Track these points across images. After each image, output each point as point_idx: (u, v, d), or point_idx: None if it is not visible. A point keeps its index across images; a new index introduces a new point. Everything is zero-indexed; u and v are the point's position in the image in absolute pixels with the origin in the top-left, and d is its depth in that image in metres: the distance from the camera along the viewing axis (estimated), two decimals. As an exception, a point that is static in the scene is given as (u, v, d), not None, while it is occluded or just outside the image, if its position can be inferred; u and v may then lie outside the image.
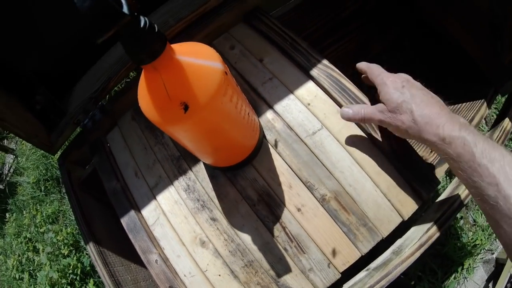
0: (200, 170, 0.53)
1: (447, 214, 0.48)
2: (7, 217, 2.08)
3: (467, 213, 1.26)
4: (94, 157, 0.63)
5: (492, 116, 1.29)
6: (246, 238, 0.48)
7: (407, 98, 0.40)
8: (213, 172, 0.53)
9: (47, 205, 1.79)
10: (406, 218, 0.46)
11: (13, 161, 2.16)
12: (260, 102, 0.54)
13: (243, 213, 0.49)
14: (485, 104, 0.71)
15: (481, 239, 1.19)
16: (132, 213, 0.55)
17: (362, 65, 0.48)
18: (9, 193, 2.06)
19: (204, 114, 0.33)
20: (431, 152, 0.68)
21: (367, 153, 0.48)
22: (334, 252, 0.46)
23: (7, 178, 2.17)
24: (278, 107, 0.53)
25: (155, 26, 0.28)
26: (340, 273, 0.46)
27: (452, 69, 0.84)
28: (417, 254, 0.45)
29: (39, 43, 0.62)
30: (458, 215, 1.24)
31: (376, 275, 0.45)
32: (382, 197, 0.47)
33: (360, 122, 0.47)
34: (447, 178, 1.25)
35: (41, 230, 1.74)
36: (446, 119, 0.37)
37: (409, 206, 0.46)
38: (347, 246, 0.46)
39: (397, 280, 0.44)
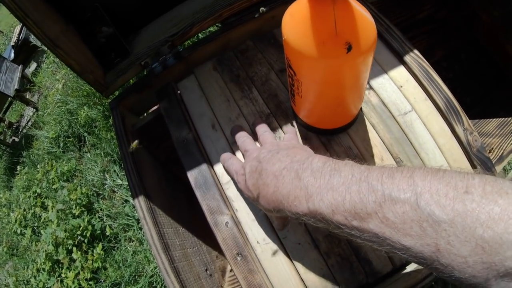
0: (289, 128, 0.49)
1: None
2: (18, 169, 2.04)
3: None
4: (162, 103, 0.57)
5: None
6: (337, 206, 0.44)
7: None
8: (306, 134, 0.49)
9: (64, 162, 1.74)
10: None
11: (33, 114, 2.13)
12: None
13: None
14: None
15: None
16: (204, 167, 0.49)
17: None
18: (24, 146, 2.02)
19: (360, 60, 0.33)
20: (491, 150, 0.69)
21: (448, 140, 0.49)
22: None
23: (24, 131, 2.14)
24: (374, 83, 0.53)
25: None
26: None
27: (501, 86, 0.91)
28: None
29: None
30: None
31: None
32: None
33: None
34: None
35: (54, 186, 1.69)
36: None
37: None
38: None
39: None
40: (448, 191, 0.23)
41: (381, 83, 0.53)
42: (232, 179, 0.47)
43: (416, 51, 0.55)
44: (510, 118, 0.76)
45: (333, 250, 0.45)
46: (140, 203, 0.55)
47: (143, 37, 0.66)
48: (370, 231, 0.26)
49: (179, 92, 0.58)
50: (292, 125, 0.50)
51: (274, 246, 0.45)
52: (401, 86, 0.53)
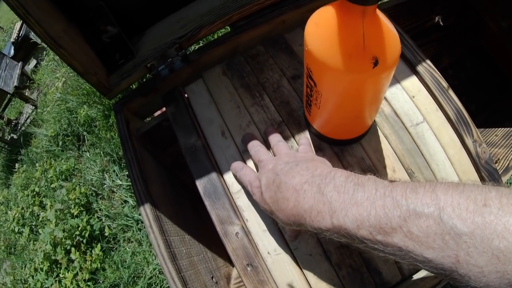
0: (303, 139, 0.48)
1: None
2: (16, 167, 2.01)
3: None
4: (169, 107, 0.56)
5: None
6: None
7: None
8: (319, 144, 0.47)
9: (62, 161, 1.72)
10: None
11: (32, 111, 2.10)
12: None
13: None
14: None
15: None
16: (214, 175, 0.48)
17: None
18: (23, 144, 1.99)
19: (384, 75, 0.33)
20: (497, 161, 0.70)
21: (457, 152, 0.50)
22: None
23: (23, 128, 2.11)
24: (387, 93, 0.52)
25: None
26: None
27: (505, 94, 0.93)
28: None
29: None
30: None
31: None
32: None
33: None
34: None
35: (52, 185, 1.67)
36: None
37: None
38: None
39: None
40: (469, 204, 0.24)
41: (394, 93, 0.52)
42: (245, 189, 0.46)
43: (428, 61, 0.54)
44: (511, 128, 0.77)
45: (344, 262, 0.44)
46: (146, 211, 0.54)
47: (149, 39, 0.64)
48: (394, 245, 0.26)
49: (186, 96, 0.56)
50: (305, 135, 0.49)
51: (285, 257, 0.44)
52: (413, 97, 0.53)
